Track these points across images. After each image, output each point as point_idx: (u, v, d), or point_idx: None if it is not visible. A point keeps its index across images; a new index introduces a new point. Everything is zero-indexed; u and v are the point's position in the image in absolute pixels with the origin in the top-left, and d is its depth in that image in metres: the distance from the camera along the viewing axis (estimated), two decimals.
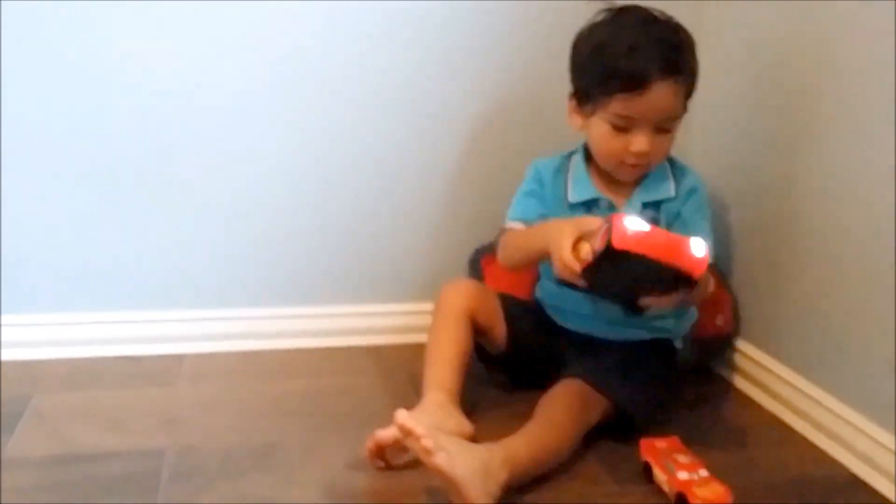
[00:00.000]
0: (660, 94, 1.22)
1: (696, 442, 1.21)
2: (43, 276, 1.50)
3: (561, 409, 1.20)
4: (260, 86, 1.50)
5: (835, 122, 1.26)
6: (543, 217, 1.32)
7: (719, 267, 1.48)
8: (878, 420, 1.18)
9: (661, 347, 1.37)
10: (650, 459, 1.16)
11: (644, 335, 1.35)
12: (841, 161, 1.24)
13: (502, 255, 1.36)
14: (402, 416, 1.06)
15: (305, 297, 1.61)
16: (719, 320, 1.46)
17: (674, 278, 1.07)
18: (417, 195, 1.61)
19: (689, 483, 1.09)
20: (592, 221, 1.16)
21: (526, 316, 1.39)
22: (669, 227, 1.30)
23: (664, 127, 1.26)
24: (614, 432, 1.25)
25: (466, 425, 1.21)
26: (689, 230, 1.22)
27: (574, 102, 1.32)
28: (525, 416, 1.21)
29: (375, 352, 1.59)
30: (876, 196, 1.17)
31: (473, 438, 1.18)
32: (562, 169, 1.36)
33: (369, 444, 1.15)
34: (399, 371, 1.50)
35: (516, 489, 1.10)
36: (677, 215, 1.31)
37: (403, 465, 1.16)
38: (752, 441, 1.31)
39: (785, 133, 1.37)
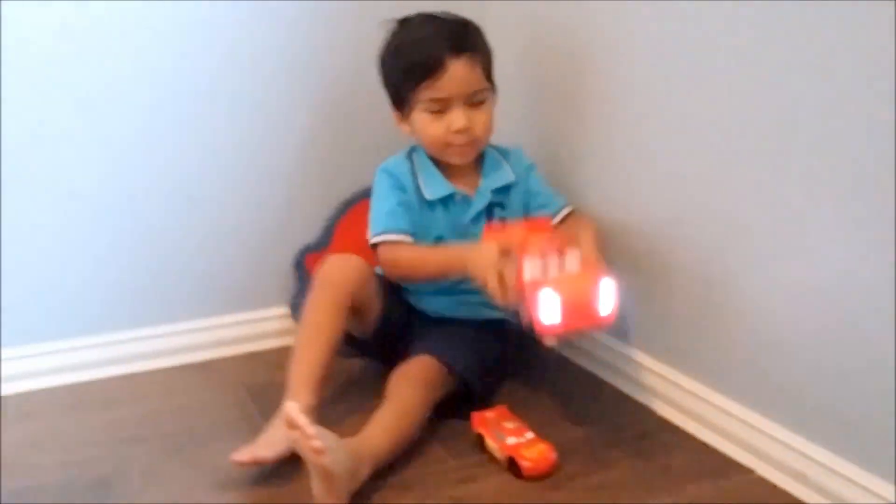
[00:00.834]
0: (458, 70, 1.33)
1: (522, 407, 1.31)
2: None
3: (412, 388, 1.26)
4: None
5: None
6: (417, 224, 1.38)
7: None
8: (687, 371, 1.31)
9: (500, 325, 1.45)
10: (481, 430, 1.24)
11: (490, 314, 1.42)
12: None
13: (393, 270, 1.38)
14: (291, 409, 1.09)
15: (120, 322, 1.57)
16: None
17: None
18: (226, 205, 1.60)
19: (517, 447, 1.18)
20: (501, 242, 1.22)
21: (394, 296, 1.44)
22: (527, 208, 1.43)
23: (475, 101, 1.36)
24: (452, 408, 1.32)
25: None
26: (545, 201, 1.42)
27: (395, 111, 1.41)
28: (371, 390, 1.27)
29: (203, 367, 1.58)
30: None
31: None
32: (413, 169, 1.41)
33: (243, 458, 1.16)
34: (232, 384, 1.50)
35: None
36: (527, 193, 1.43)
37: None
38: (569, 399, 1.41)
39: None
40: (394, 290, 1.45)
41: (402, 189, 1.40)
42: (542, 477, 1.17)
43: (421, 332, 1.41)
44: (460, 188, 1.41)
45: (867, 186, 0.97)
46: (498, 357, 1.43)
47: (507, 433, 1.21)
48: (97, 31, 1.45)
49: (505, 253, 1.21)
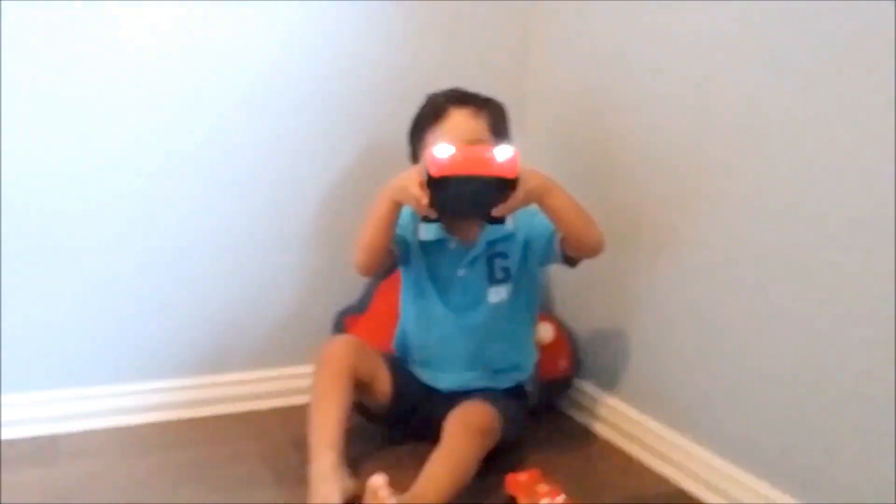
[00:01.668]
0: (458, 117, 1.43)
1: (551, 473, 1.38)
2: None
3: (469, 440, 1.33)
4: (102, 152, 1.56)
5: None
6: (400, 243, 1.46)
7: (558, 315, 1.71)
8: (699, 440, 1.41)
9: (516, 392, 1.54)
10: (515, 492, 1.32)
11: (504, 384, 1.51)
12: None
13: (356, 256, 1.43)
14: (378, 480, 1.19)
15: (172, 370, 1.66)
16: (561, 365, 1.66)
17: (499, 185, 1.30)
18: (271, 265, 1.70)
19: None
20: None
21: (410, 372, 1.52)
22: (526, 259, 1.48)
23: None
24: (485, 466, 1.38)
25: (351, 483, 1.31)
26: (546, 243, 1.44)
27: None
28: (404, 466, 1.34)
29: (243, 418, 1.66)
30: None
31: (358, 496, 1.27)
32: (415, 214, 1.44)
33: None
34: (271, 434, 1.58)
35: None
36: (527, 243, 1.48)
37: None
38: (595, 466, 1.50)
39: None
40: (404, 368, 1.52)
41: (399, 225, 1.43)
42: None
43: (450, 405, 1.42)
44: (458, 237, 1.48)
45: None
46: (521, 417, 1.51)
47: (540, 496, 1.29)
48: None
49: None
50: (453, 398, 1.44)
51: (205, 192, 1.63)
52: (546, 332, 1.65)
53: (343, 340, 1.47)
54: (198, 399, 1.67)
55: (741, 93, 1.27)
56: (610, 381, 1.62)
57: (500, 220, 1.37)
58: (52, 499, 1.33)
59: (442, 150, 1.29)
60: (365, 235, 1.41)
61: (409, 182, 1.32)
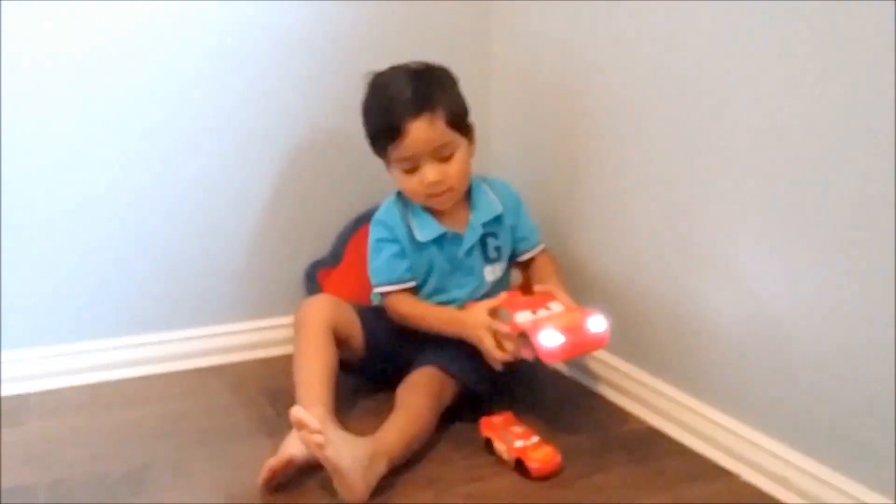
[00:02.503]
0: (417, 131, 1.39)
1: (526, 414, 1.41)
2: None
3: (420, 396, 1.36)
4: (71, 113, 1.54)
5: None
6: (414, 266, 1.48)
7: None
8: (668, 379, 1.43)
9: None
10: (489, 434, 1.34)
11: None
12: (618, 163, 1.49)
13: (397, 319, 1.48)
14: (297, 410, 1.18)
15: (140, 325, 1.65)
16: None
17: None
18: (242, 218, 1.70)
19: (524, 449, 1.28)
20: (496, 312, 1.37)
21: (379, 322, 1.52)
22: (516, 242, 1.54)
23: (444, 154, 1.42)
24: (460, 413, 1.42)
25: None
26: (525, 234, 1.54)
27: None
28: (383, 410, 1.35)
29: (217, 371, 1.66)
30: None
31: None
32: (403, 214, 1.49)
33: (264, 474, 1.22)
34: (247, 387, 1.59)
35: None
36: (514, 229, 1.53)
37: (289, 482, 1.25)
38: (570, 408, 1.52)
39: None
40: (376, 315, 1.52)
41: (395, 240, 1.48)
42: (549, 477, 1.27)
43: (419, 348, 1.47)
44: (451, 226, 1.49)
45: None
46: (486, 365, 1.51)
47: (514, 437, 1.31)
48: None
49: (492, 313, 1.37)
50: (423, 343, 1.46)
51: (174, 146, 1.62)
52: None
53: (318, 301, 1.47)
54: (171, 353, 1.66)
55: (701, 53, 1.27)
56: None
57: None
58: (24, 459, 1.32)
59: (550, 339, 1.30)
60: (413, 325, 1.47)
61: (486, 343, 1.36)
